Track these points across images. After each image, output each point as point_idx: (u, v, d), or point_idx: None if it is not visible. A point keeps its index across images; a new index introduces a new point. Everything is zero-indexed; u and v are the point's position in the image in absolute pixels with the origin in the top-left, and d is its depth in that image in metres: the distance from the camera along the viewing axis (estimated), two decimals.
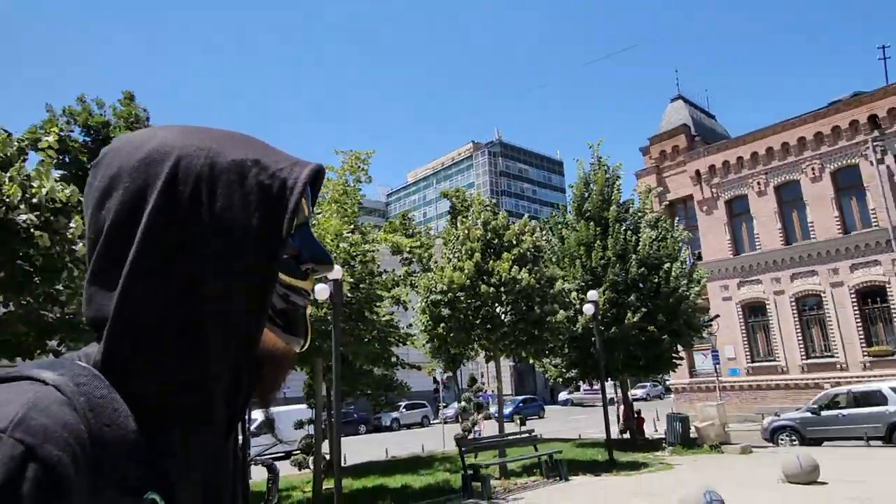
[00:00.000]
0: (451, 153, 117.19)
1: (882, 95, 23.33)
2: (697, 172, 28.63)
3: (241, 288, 0.64)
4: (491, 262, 12.48)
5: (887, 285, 22.74)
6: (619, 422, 18.18)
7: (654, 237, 16.30)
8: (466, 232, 12.85)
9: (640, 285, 15.80)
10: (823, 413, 16.61)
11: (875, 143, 23.36)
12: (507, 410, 33.83)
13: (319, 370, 10.70)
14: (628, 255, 16.12)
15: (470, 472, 10.28)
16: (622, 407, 18.58)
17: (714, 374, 26.81)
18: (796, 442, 17.00)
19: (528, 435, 13.05)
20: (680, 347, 16.39)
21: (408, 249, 12.87)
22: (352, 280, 10.20)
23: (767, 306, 25.85)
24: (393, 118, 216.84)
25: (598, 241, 16.22)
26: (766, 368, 25.75)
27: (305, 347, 0.74)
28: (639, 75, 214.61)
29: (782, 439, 17.29)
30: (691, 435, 15.40)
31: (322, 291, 8.89)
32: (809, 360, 24.53)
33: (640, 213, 17.16)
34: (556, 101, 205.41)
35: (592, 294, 14.29)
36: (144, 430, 0.58)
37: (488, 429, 17.47)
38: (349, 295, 10.05)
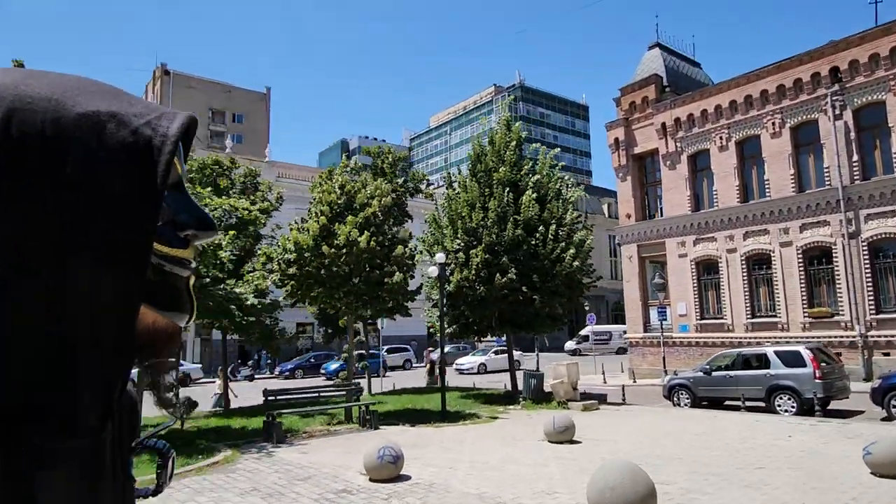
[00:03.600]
0: (472, 97, 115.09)
1: (844, 47, 22.06)
2: (663, 125, 27.91)
3: (107, 275, 0.54)
4: (337, 224, 13.09)
5: (833, 247, 22.22)
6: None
7: (533, 198, 16.36)
8: (320, 196, 13.39)
9: (522, 247, 16.05)
10: (714, 374, 16.88)
11: (834, 98, 22.30)
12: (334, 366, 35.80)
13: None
14: (508, 216, 16.32)
15: (268, 418, 11.29)
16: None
17: (666, 330, 27.11)
18: (689, 400, 17.40)
19: (348, 386, 13.51)
20: (559, 307, 16.71)
21: (244, 214, 13.39)
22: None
23: (720, 264, 25.61)
24: (416, 61, 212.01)
25: (479, 203, 16.46)
26: (713, 326, 25.79)
27: (191, 321, 0.68)
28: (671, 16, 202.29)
29: (677, 397, 17.71)
30: (547, 390, 15.94)
31: None
32: (754, 319, 24.44)
33: (532, 177, 17.09)
34: (582, 45, 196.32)
35: (439, 256, 14.70)
36: None
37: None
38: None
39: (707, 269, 26.42)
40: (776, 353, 15.74)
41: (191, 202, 0.65)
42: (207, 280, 11.47)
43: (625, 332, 32.30)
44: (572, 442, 10.21)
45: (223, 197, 14.83)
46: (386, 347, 41.39)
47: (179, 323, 0.66)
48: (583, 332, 49.93)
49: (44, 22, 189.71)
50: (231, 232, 12.36)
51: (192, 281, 0.67)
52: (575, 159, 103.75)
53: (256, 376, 36.83)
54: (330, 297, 13.45)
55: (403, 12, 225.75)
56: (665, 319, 27.03)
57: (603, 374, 29.21)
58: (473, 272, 15.77)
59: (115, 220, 0.54)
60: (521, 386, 16.37)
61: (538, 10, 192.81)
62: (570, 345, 53.67)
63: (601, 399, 16.29)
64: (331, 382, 18.72)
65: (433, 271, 14.36)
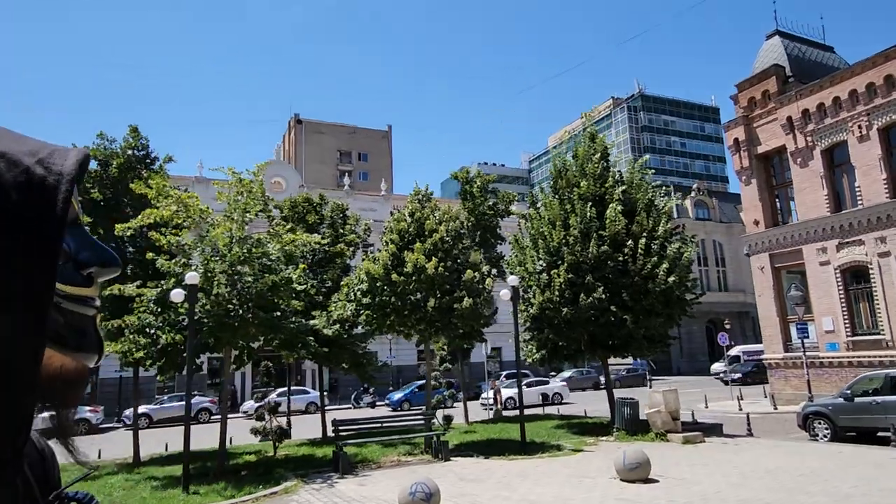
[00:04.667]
0: (591, 112, 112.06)
1: None
2: (789, 119, 25.03)
3: (6, 321, 0.50)
4: (406, 252, 13.04)
5: None
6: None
7: (619, 211, 15.04)
8: (392, 224, 13.45)
9: (609, 264, 14.80)
10: (857, 399, 14.40)
11: None
12: (397, 396, 34.06)
13: (229, 357, 12.22)
14: (591, 232, 15.17)
15: (337, 448, 11.23)
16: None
17: (807, 349, 23.87)
18: (828, 431, 14.98)
19: (419, 417, 13.18)
20: (658, 327, 15.01)
21: (329, 249, 13.48)
22: (251, 275, 11.56)
23: (871, 270, 22.13)
24: (530, 80, 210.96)
25: (560, 220, 15.49)
26: (868, 343, 22.23)
27: (100, 361, 0.64)
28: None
29: (815, 427, 15.32)
30: (644, 418, 14.24)
31: (177, 295, 10.48)
32: None
33: (618, 188, 15.74)
34: (704, 44, 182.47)
35: (511, 279, 13.90)
36: None
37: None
38: (249, 284, 11.44)
39: (856, 278, 22.96)
40: None
41: (91, 239, 0.63)
42: (278, 314, 12.03)
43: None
44: (647, 480, 9.07)
45: (312, 233, 15.68)
46: (505, 373, 40.83)
47: (88, 363, 0.64)
48: (732, 353, 45.63)
49: (187, 90, 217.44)
50: (301, 266, 12.93)
51: (98, 319, 0.65)
52: (707, 165, 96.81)
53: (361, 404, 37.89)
54: (403, 325, 13.51)
55: (510, 37, 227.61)
56: (807, 337, 23.83)
57: (738, 399, 26.38)
58: (557, 293, 14.95)
59: (11, 265, 0.51)
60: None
61: (648, 18, 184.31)
62: (717, 367, 49.23)
63: (713, 430, 14.50)
64: (412, 412, 18.29)
65: (505, 295, 13.84)
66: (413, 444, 13.40)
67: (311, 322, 13.39)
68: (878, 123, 22.05)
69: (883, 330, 21.68)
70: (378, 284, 13.22)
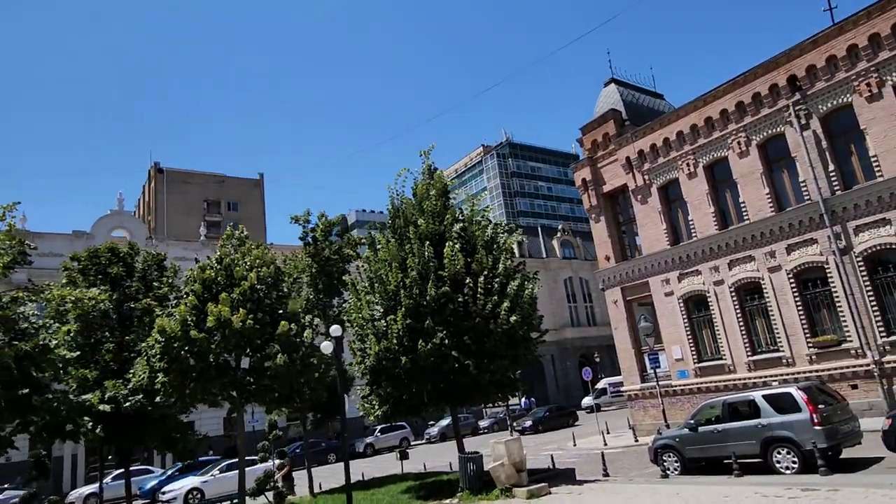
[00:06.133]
0: (463, 159, 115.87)
1: (798, 54, 20.65)
2: (628, 159, 26.42)
3: None
4: (209, 305, 11.38)
5: (825, 266, 19.98)
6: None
7: (457, 249, 14.58)
8: (195, 273, 11.74)
9: (449, 306, 14.15)
10: (701, 429, 14.41)
11: (797, 108, 20.70)
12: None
13: None
14: (429, 273, 14.49)
15: None
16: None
17: (660, 378, 24.55)
18: (678, 464, 14.85)
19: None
20: (503, 370, 14.48)
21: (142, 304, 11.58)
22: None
23: (709, 299, 23.34)
24: (401, 125, 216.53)
25: (397, 262, 14.70)
26: (713, 368, 23.22)
27: None
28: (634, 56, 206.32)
29: (665, 461, 15.15)
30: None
31: None
32: (756, 357, 21.91)
33: (455, 226, 15.33)
34: (562, 95, 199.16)
35: (334, 329, 12.78)
36: None
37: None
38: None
39: (697, 306, 24.14)
40: (764, 397, 13.35)
41: None
42: (26, 391, 9.65)
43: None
44: None
45: (115, 290, 13.31)
46: (380, 427, 38.77)
47: None
48: (599, 386, 46.90)
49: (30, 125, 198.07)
50: (66, 327, 10.72)
51: None
52: (572, 208, 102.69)
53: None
54: (207, 392, 11.55)
55: (384, 81, 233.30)
56: (659, 366, 24.57)
57: (602, 434, 26.47)
58: (395, 341, 13.81)
59: None
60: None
61: (511, 64, 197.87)
62: (587, 401, 50.32)
63: (563, 477, 13.83)
64: None
65: (326, 347, 12.45)
66: None
67: (85, 397, 11.04)
68: (703, 161, 23.73)
69: (724, 355, 22.75)
70: (176, 344, 11.21)
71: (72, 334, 12.72)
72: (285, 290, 13.00)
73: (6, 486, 17.17)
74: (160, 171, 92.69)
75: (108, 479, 27.58)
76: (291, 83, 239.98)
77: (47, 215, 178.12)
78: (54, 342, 10.49)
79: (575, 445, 26.30)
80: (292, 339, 11.72)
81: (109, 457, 27.71)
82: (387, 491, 16.24)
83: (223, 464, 21.87)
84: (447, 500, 13.39)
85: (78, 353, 13.19)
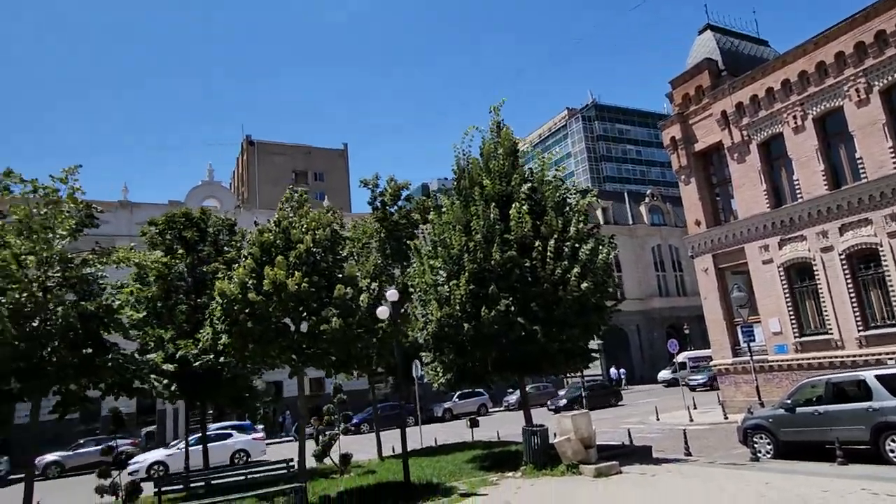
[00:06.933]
0: (547, 123, 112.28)
1: None
2: (724, 114, 24.03)
3: None
4: (266, 268, 11.18)
5: None
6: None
7: (525, 210, 13.50)
8: (254, 237, 11.58)
9: (516, 271, 13.19)
10: (799, 410, 12.90)
11: None
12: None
13: (37, 406, 10.01)
14: (494, 237, 13.56)
15: None
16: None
17: (754, 353, 22.61)
18: (770, 447, 13.44)
19: (270, 469, 10.91)
20: (574, 339, 13.40)
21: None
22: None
23: (814, 267, 21.00)
24: (488, 93, 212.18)
25: (461, 224, 13.85)
26: (817, 344, 21.01)
27: None
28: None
29: (755, 443, 13.77)
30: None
31: None
32: (869, 332, 19.53)
33: (523, 185, 14.19)
34: (653, 51, 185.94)
35: (391, 293, 12.14)
36: None
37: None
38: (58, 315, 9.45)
39: (800, 275, 21.82)
40: (878, 377, 11.64)
41: None
42: (89, 351, 9.95)
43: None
44: None
45: (189, 254, 13.65)
46: (457, 393, 38.81)
47: None
48: (679, 359, 44.53)
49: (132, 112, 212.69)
50: (128, 289, 10.95)
51: None
52: (663, 172, 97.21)
53: (282, 439, 35.55)
54: (266, 354, 11.54)
55: (468, 48, 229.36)
56: (754, 340, 22.60)
57: (688, 409, 24.95)
58: (457, 307, 13.21)
59: None
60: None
61: (597, 19, 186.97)
62: (664, 374, 48.16)
63: (638, 454, 12.81)
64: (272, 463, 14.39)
65: (382, 312, 12.00)
66: (270, 501, 11.39)
67: (149, 356, 11.36)
68: (812, 113, 21.10)
69: (831, 329, 20.50)
70: (236, 307, 11.26)
71: (134, 295, 13.21)
72: (342, 253, 12.74)
73: (117, 434, 18.29)
74: (251, 144, 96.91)
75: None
76: (381, 54, 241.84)
77: (159, 187, 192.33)
78: (117, 303, 10.86)
79: (658, 420, 24.98)
80: (348, 304, 11.47)
81: (210, 412, 28.90)
82: (453, 458, 15.97)
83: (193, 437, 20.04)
84: (510, 473, 12.85)
85: (144, 313, 13.81)
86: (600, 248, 13.81)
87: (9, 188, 10.78)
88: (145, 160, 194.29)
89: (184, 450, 17.66)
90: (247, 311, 11.05)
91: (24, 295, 9.42)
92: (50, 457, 28.95)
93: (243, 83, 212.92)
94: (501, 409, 42.19)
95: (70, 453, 29.64)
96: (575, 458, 12.01)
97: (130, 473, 20.28)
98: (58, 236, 10.11)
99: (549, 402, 36.51)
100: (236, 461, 22.22)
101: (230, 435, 23.95)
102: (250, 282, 11.24)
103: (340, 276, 11.98)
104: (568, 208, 14.44)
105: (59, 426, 29.62)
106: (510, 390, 42.43)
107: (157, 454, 23.60)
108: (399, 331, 12.81)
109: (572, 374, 25.35)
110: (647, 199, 63.99)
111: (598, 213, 58.83)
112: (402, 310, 15.63)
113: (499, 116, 15.58)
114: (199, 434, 16.88)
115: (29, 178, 10.65)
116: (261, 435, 25.58)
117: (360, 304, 11.68)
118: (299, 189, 14.01)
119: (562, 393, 38.48)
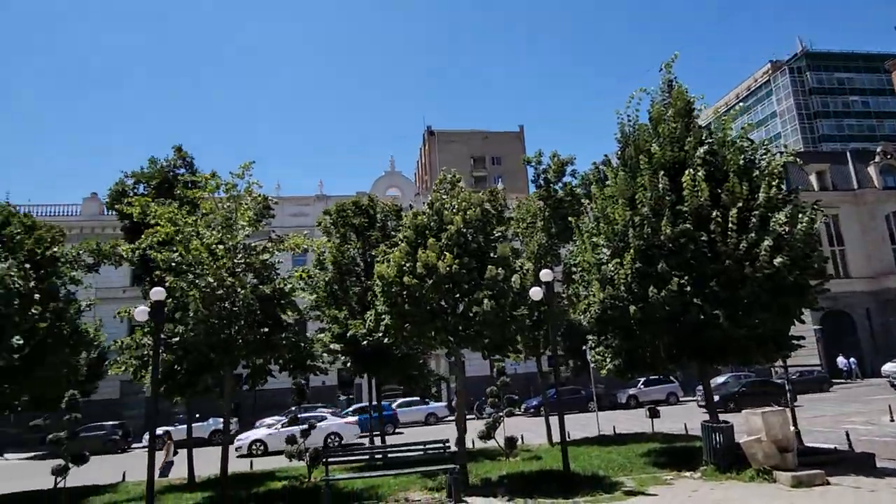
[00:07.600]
0: (746, 81, 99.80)
1: None
2: None
3: None
4: (419, 250, 11.05)
5: None
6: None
7: (701, 177, 11.40)
8: (408, 220, 11.56)
9: (690, 247, 11.26)
10: None
11: None
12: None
13: (229, 377, 11.16)
14: (663, 209, 11.73)
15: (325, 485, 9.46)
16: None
17: None
18: None
19: (428, 448, 10.91)
20: (765, 323, 11.03)
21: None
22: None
23: None
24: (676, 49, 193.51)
25: (625, 196, 12.20)
26: None
27: None
28: None
29: None
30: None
31: (140, 314, 9.63)
32: None
33: (699, 148, 12.00)
34: None
35: (544, 274, 10.94)
36: None
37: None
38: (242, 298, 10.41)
39: None
40: None
41: None
42: (265, 330, 10.90)
43: None
44: None
45: (359, 239, 14.42)
46: (643, 379, 36.45)
47: None
48: None
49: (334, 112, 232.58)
50: (299, 272, 11.75)
51: None
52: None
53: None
54: (422, 335, 11.61)
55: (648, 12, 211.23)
56: None
57: None
58: (622, 288, 11.96)
59: None
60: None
61: None
62: (888, 368, 39.96)
63: (857, 463, 10.45)
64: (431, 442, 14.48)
65: (536, 293, 11.17)
66: (432, 478, 11.49)
67: (319, 336, 12.16)
68: None
69: None
70: (393, 289, 11.54)
71: (307, 279, 14.37)
72: (494, 233, 12.43)
73: (301, 404, 20.27)
74: (431, 134, 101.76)
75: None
76: (547, 29, 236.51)
77: (347, 178, 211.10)
78: (289, 286, 11.92)
79: (893, 420, 20.85)
80: (500, 285, 11.14)
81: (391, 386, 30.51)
82: (627, 450, 14.86)
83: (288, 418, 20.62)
84: (687, 473, 11.45)
85: (316, 295, 15.11)
86: (800, 216, 11.56)
87: (218, 188, 12.42)
88: (340, 154, 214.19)
89: (279, 430, 19.38)
90: (404, 293, 11.36)
91: (216, 280, 10.81)
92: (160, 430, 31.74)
93: (429, 62, 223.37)
94: (693, 398, 38.79)
95: (174, 427, 29.75)
96: (767, 462, 10.26)
97: (237, 448, 23.11)
98: (240, 226, 11.43)
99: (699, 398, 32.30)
100: (329, 444, 23.49)
101: (324, 418, 25.33)
102: (406, 264, 11.51)
103: (493, 256, 11.72)
104: (757, 172, 12.33)
105: (277, 395, 33.74)
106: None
107: (259, 433, 25.68)
108: (554, 314, 12.18)
109: (774, 365, 22.11)
110: (877, 158, 53.73)
111: (812, 178, 50.88)
112: (567, 291, 14.85)
113: (671, 74, 13.86)
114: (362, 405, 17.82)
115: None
116: (353, 419, 26.76)
117: (511, 285, 11.29)
118: (453, 170, 13.98)
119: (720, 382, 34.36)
